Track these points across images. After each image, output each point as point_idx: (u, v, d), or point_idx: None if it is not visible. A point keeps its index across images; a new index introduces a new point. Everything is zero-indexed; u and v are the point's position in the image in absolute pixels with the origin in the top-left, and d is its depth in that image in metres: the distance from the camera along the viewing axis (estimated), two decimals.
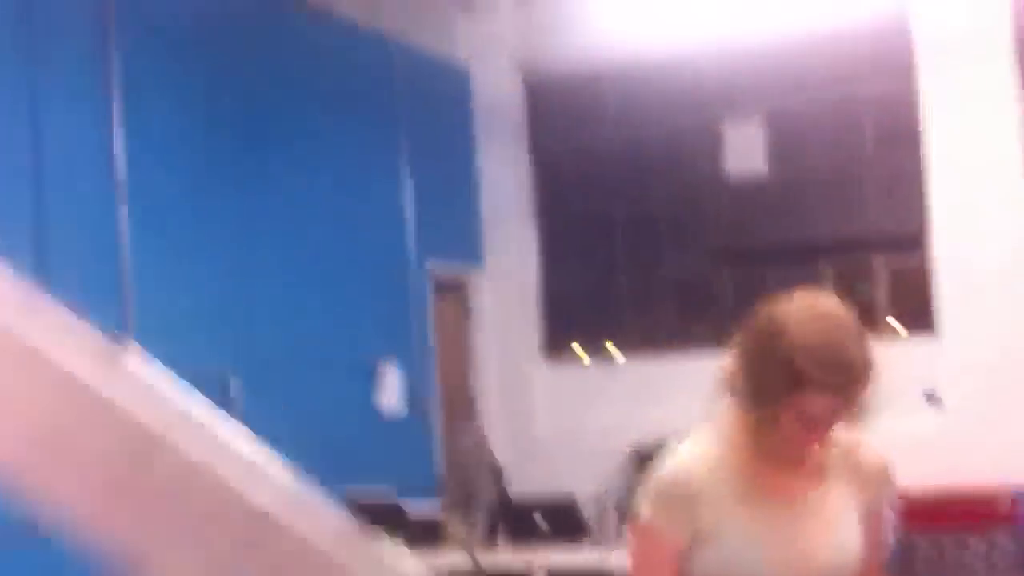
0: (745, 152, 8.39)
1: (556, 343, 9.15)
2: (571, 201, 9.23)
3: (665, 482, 1.92)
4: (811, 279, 8.22)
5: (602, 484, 7.61)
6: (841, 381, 1.79)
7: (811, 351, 1.80)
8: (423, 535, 5.12)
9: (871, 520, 2.01)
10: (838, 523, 1.95)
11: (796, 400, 1.80)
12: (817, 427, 1.83)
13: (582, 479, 7.34)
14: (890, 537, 2.13)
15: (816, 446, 1.88)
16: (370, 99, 7.58)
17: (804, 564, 1.90)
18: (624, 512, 4.88)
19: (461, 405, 8.35)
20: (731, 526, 1.88)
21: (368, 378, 7.29)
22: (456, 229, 8.64)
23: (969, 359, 7.68)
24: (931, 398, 7.75)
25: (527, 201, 9.24)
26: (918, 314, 8.10)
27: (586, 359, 9.02)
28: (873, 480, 2.00)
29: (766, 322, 1.88)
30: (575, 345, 9.11)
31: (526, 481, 7.13)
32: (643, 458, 7.99)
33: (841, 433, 1.97)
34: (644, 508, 1.91)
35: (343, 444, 6.57)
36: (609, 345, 9.00)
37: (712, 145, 8.52)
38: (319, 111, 7.04)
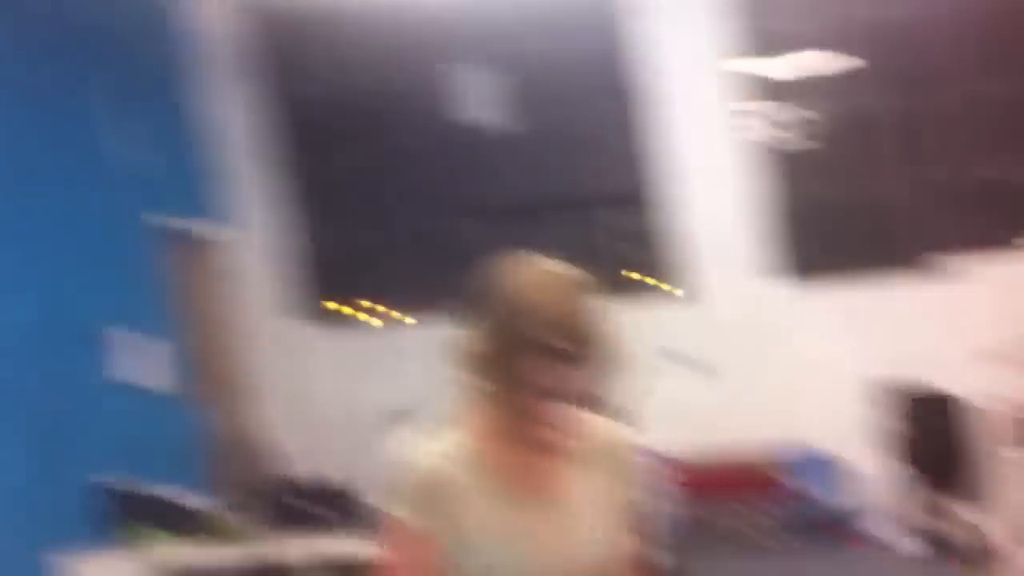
0: (485, 103, 8.30)
1: (317, 305, 8.83)
2: (323, 151, 8.85)
3: (416, 481, 1.82)
4: (555, 235, 8.23)
5: (372, 460, 7.46)
6: (574, 349, 1.74)
7: (542, 319, 1.74)
8: (184, 522, 4.82)
9: (628, 509, 1.97)
10: (589, 516, 1.90)
11: (532, 373, 1.74)
12: (558, 400, 1.78)
13: (359, 454, 7.15)
14: (652, 525, 2.05)
15: (564, 426, 1.81)
16: (78, 38, 6.80)
17: (556, 561, 1.85)
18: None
19: (230, 381, 7.95)
20: (482, 524, 1.81)
21: (123, 350, 6.80)
22: (196, 182, 8.09)
23: (725, 322, 7.93)
24: (688, 362, 7.94)
25: (277, 151, 8.81)
26: (657, 274, 8.27)
27: (357, 322, 8.77)
28: (624, 467, 1.96)
29: (496, 292, 1.81)
30: (339, 308, 8.84)
31: (300, 460, 6.87)
32: (403, 425, 7.87)
33: (591, 418, 1.93)
34: (396, 505, 1.82)
35: (90, 424, 6.12)
36: (377, 306, 8.79)
37: (443, 94, 8.34)
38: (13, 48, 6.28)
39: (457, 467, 1.82)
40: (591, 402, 1.85)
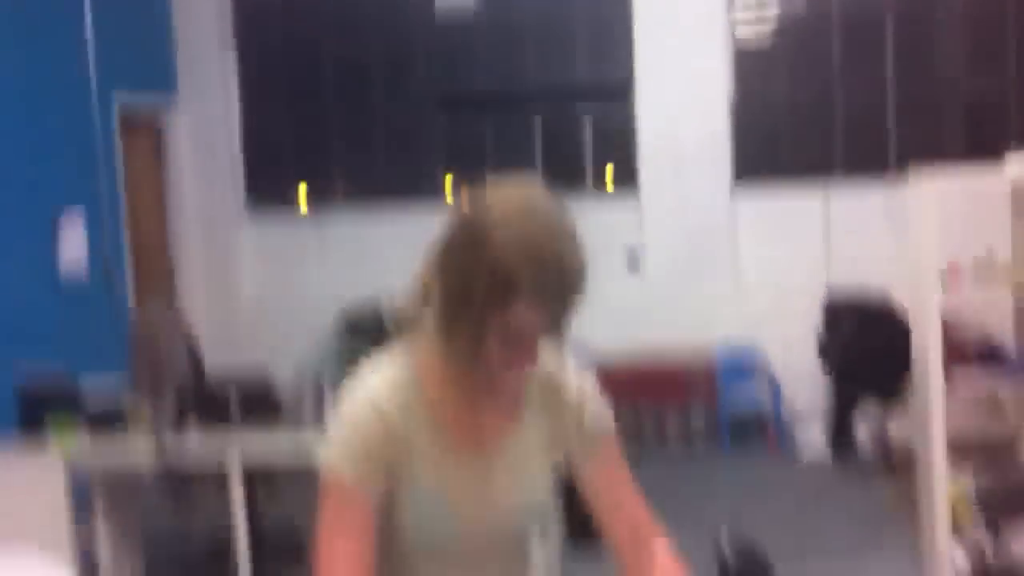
0: None
1: (261, 193, 8.66)
2: (276, 35, 8.63)
3: (355, 429, 1.68)
4: (522, 128, 8.14)
5: (305, 357, 7.38)
6: (556, 290, 1.58)
7: (522, 255, 1.56)
8: (103, 418, 4.73)
9: (599, 464, 1.85)
10: (531, 464, 1.80)
11: (502, 314, 1.58)
12: (525, 346, 1.62)
13: (287, 349, 7.06)
14: (634, 486, 1.91)
15: (522, 371, 1.67)
16: None
17: (493, 512, 1.76)
18: (322, 390, 4.65)
19: (155, 267, 7.77)
20: (419, 477, 1.70)
21: (45, 233, 6.60)
22: (144, 56, 7.88)
23: (666, 221, 7.86)
24: (633, 260, 7.91)
25: (226, 31, 8.54)
26: (622, 171, 8.18)
27: (296, 212, 8.58)
28: (576, 414, 1.83)
29: (469, 221, 1.61)
30: (282, 197, 8.66)
31: (225, 353, 6.75)
32: (351, 325, 7.79)
33: (545, 359, 1.79)
34: (334, 459, 1.67)
35: (11, 311, 5.97)
36: (315, 197, 8.61)
37: None
38: None
39: (399, 417, 1.69)
40: (552, 342, 1.69)
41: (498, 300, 1.57)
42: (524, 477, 1.79)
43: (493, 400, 1.76)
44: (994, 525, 1.31)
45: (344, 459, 1.66)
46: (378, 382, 1.72)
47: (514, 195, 1.63)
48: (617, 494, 1.87)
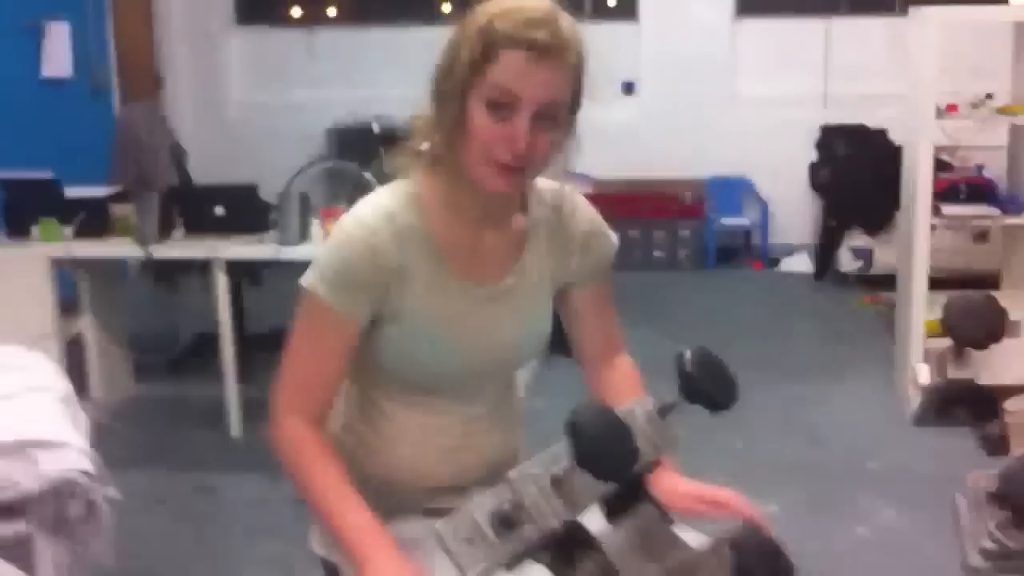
0: None
1: (252, 5, 8.45)
2: None
3: (345, 259, 1.60)
4: None
5: (292, 173, 7.32)
6: (539, 36, 1.49)
7: (503, 8, 1.52)
8: (88, 221, 4.70)
9: (590, 294, 1.82)
10: (534, 297, 1.75)
11: (487, 74, 1.50)
12: (516, 118, 1.50)
13: (274, 164, 6.99)
14: (613, 307, 1.89)
15: (513, 148, 1.52)
16: None
17: (495, 345, 1.72)
18: (308, 206, 4.63)
19: (141, 75, 7.63)
20: (417, 308, 1.64)
21: (31, 40, 6.45)
22: None
23: (665, 50, 7.73)
24: (628, 87, 7.81)
25: None
26: None
27: (287, 26, 8.38)
28: (581, 248, 1.78)
29: (461, 19, 1.57)
30: (273, 11, 8.45)
31: (212, 165, 6.69)
32: (340, 142, 7.73)
33: (547, 187, 1.74)
34: (318, 284, 1.61)
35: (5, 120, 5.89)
36: (307, 14, 8.41)
37: None
38: None
39: (393, 244, 1.61)
40: (551, 155, 1.60)
41: (479, 57, 1.50)
42: (528, 310, 1.74)
43: (496, 231, 1.70)
44: (961, 347, 1.33)
45: (326, 283, 1.60)
46: (374, 207, 1.64)
47: None
48: (598, 315, 1.85)
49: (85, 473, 2.31)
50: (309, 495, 1.60)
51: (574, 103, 1.59)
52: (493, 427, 1.81)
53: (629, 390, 1.78)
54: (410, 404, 1.73)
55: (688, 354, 1.35)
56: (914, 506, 3.88)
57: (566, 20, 1.55)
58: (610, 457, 1.19)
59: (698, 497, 1.69)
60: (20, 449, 2.25)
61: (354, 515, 1.55)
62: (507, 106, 1.51)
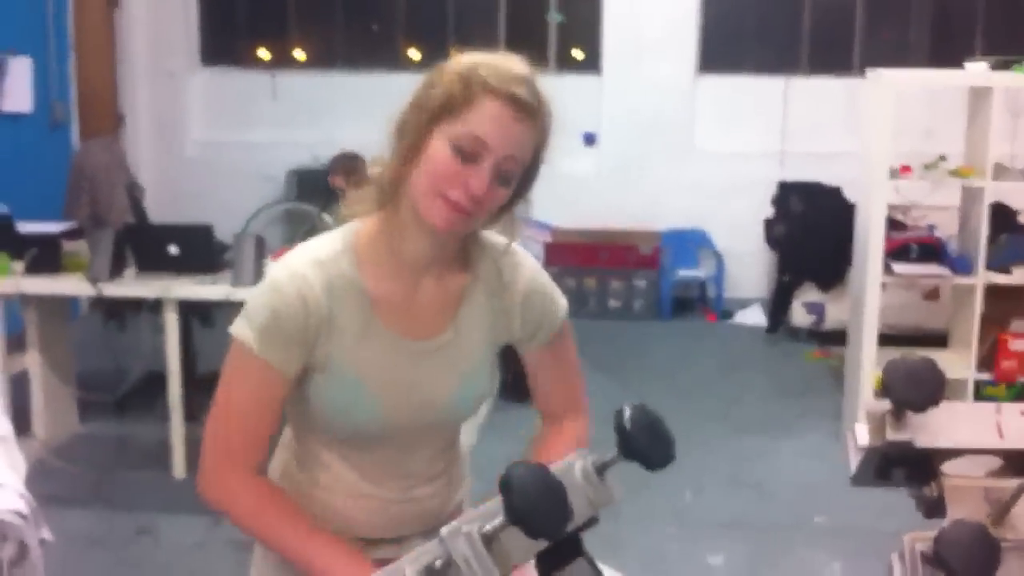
0: None
1: (216, 47, 8.45)
2: None
3: (275, 308, 1.57)
4: (488, 8, 8.00)
5: (251, 210, 7.32)
6: (520, 93, 1.51)
7: (485, 59, 1.54)
8: (39, 257, 4.65)
9: (538, 353, 1.77)
10: (471, 356, 1.71)
11: (460, 116, 1.50)
12: (479, 166, 1.50)
13: (232, 206, 6.98)
14: (575, 369, 1.85)
15: (467, 191, 1.51)
16: None
17: (425, 405, 1.68)
18: (264, 248, 4.61)
19: (102, 111, 7.59)
20: (345, 359, 1.61)
21: None
22: None
23: (627, 103, 7.82)
24: (589, 139, 7.88)
25: None
26: (585, 51, 8.09)
27: (250, 69, 8.39)
28: (522, 306, 1.73)
29: (437, 66, 1.58)
30: (237, 55, 8.47)
31: (170, 205, 6.66)
32: (301, 181, 7.72)
33: (492, 242, 1.71)
34: (247, 332, 1.58)
35: None
36: (272, 58, 8.43)
37: None
38: None
39: (323, 294, 1.58)
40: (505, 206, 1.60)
41: (458, 97, 1.51)
42: (463, 368, 1.70)
43: (433, 286, 1.67)
44: (900, 410, 1.33)
45: (254, 331, 1.57)
46: (306, 254, 1.62)
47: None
48: (555, 375, 1.81)
49: (18, 514, 2.26)
50: (282, 544, 1.59)
51: (531, 167, 1.60)
52: (432, 481, 1.78)
53: (551, 457, 1.65)
54: (345, 455, 1.71)
55: (627, 411, 1.34)
56: (860, 562, 3.89)
57: (542, 84, 1.56)
58: (543, 514, 1.18)
59: None
60: None
61: (333, 551, 1.56)
62: (473, 153, 1.51)
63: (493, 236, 1.72)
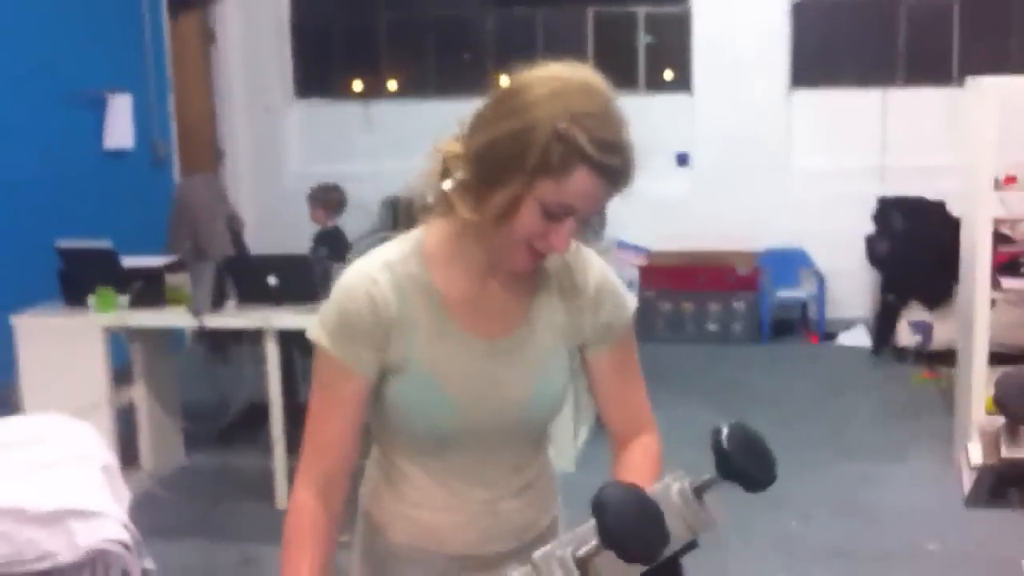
0: None
1: (310, 80, 8.62)
2: None
3: (344, 309, 1.59)
4: (575, 24, 8.00)
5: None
6: (615, 164, 1.47)
7: (587, 120, 1.46)
8: (143, 291, 4.77)
9: (606, 358, 1.74)
10: (543, 355, 1.68)
11: (556, 181, 1.46)
12: (565, 222, 1.50)
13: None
14: (640, 379, 1.81)
15: (550, 249, 1.52)
16: None
17: (499, 403, 1.66)
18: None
19: (202, 147, 7.79)
20: (421, 362, 1.61)
21: (94, 112, 6.62)
22: None
23: (720, 122, 7.74)
24: (682, 159, 7.81)
25: None
26: (676, 71, 8.04)
27: (345, 100, 8.53)
28: (593, 304, 1.71)
29: (519, 90, 1.51)
30: (331, 87, 8.62)
31: (270, 237, 6.78)
32: (395, 210, 7.78)
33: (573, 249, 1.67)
34: (321, 335, 1.60)
35: (59, 189, 6.02)
36: (365, 88, 8.56)
37: None
38: None
39: (393, 295, 1.58)
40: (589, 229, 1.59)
41: (557, 164, 1.46)
42: (538, 368, 1.68)
43: (504, 285, 1.65)
44: (1013, 426, 1.26)
45: (327, 333, 1.59)
46: (378, 258, 1.62)
47: (565, 70, 1.53)
48: (621, 383, 1.78)
49: (122, 544, 2.29)
50: (282, 567, 1.63)
51: None
52: (518, 495, 1.75)
53: (641, 477, 1.65)
54: (425, 464, 1.70)
55: (725, 430, 1.30)
56: None
57: (633, 143, 1.52)
58: (638, 537, 1.14)
59: None
60: (57, 519, 2.24)
61: None
62: (561, 216, 1.50)
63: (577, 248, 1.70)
